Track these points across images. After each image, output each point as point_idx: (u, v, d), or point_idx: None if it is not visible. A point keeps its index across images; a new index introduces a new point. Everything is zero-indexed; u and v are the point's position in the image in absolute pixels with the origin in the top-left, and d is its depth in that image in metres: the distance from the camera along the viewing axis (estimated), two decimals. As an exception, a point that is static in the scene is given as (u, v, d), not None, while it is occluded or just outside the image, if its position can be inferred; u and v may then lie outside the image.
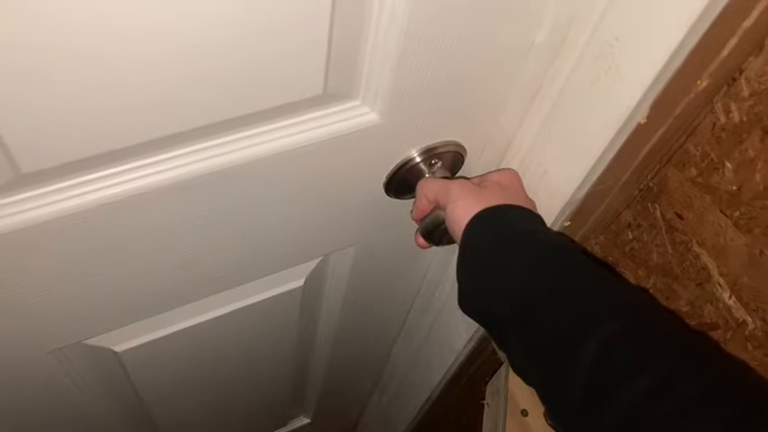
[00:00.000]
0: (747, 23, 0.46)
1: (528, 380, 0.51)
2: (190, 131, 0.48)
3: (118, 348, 0.72)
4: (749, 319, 0.56)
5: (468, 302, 0.57)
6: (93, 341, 0.69)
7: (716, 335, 0.60)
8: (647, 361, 0.43)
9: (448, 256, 0.87)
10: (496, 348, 0.84)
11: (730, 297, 0.57)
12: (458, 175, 0.70)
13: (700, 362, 0.44)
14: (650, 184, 0.61)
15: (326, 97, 0.52)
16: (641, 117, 0.52)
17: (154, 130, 0.47)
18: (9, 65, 0.37)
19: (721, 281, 0.58)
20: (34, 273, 0.54)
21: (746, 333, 0.57)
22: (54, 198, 0.48)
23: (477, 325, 0.73)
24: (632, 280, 0.68)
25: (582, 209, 0.64)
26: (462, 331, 0.94)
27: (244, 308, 0.78)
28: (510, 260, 0.53)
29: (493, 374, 0.89)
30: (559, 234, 0.66)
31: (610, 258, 0.70)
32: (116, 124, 0.44)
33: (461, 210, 0.57)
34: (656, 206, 0.61)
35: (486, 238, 0.55)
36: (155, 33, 0.39)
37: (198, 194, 0.55)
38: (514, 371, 0.52)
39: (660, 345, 0.45)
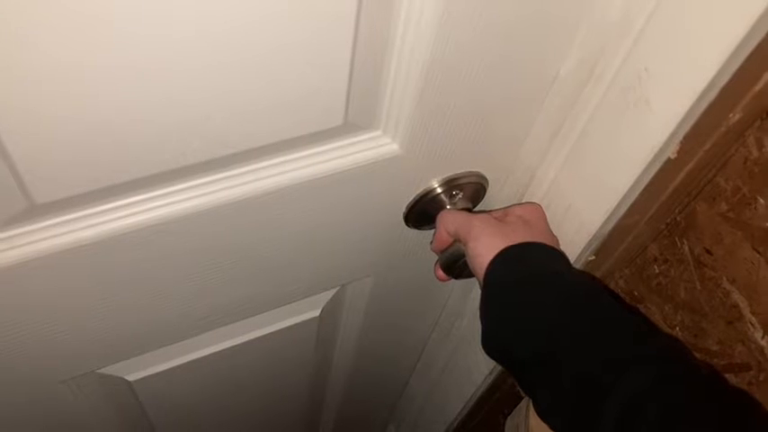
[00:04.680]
0: (783, 57, 0.44)
1: (553, 426, 0.50)
2: (209, 162, 0.48)
3: (131, 378, 0.72)
4: (784, 361, 0.54)
5: (492, 344, 0.55)
6: (106, 370, 0.68)
7: (747, 376, 0.58)
8: (675, 421, 0.42)
9: (467, 288, 0.86)
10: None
11: (763, 337, 0.55)
12: (479, 206, 0.69)
13: (730, 425, 0.42)
14: (678, 219, 0.59)
15: (347, 127, 0.51)
16: (671, 152, 0.51)
17: (174, 161, 0.46)
18: (23, 96, 0.36)
19: (753, 320, 0.55)
20: (47, 303, 0.53)
21: (781, 376, 0.55)
22: (68, 228, 0.47)
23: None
24: (659, 316, 0.66)
25: (607, 243, 0.62)
26: (481, 364, 0.92)
27: (259, 338, 0.77)
28: (533, 304, 0.52)
29: (513, 409, 0.87)
30: (583, 273, 0.65)
31: (635, 293, 0.68)
32: (132, 155, 0.44)
33: (483, 247, 0.56)
34: (684, 241, 0.60)
35: (509, 279, 0.54)
36: (176, 66, 0.39)
37: (216, 224, 0.54)
38: (539, 416, 0.51)
39: (688, 402, 0.44)
